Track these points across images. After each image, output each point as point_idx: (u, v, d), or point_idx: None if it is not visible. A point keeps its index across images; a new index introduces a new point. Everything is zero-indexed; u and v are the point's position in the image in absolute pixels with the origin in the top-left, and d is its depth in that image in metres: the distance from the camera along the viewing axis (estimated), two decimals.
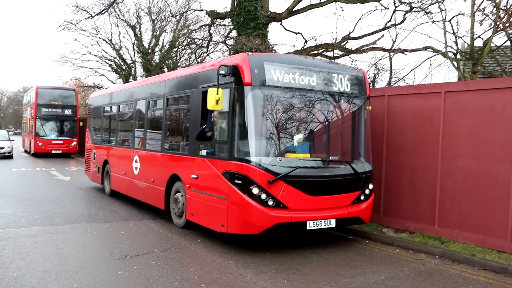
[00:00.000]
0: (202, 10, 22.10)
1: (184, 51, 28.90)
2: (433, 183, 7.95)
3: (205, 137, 7.65)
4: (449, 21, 13.66)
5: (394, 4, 15.99)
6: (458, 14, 13.46)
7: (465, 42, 14.42)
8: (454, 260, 6.92)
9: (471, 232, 7.40)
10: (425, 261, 6.96)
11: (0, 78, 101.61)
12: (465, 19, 17.80)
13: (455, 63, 13.87)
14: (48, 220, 9.16)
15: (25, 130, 32.95)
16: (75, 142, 28.51)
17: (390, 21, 16.40)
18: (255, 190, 6.64)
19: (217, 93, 6.82)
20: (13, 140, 32.75)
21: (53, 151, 27.82)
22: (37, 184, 15.21)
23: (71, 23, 28.47)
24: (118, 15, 30.19)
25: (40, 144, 27.72)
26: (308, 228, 7.01)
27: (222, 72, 6.96)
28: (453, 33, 13.47)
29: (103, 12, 25.97)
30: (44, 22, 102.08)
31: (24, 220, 9.08)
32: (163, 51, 30.09)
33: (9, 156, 26.76)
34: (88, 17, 26.66)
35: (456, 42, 13.91)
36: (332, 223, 7.24)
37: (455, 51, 13.97)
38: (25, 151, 32.37)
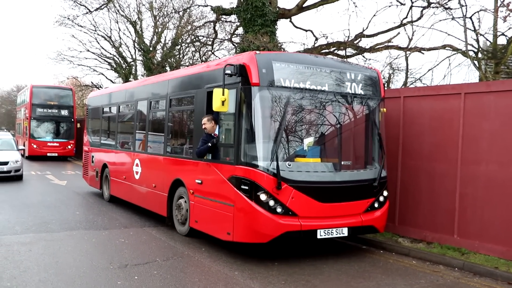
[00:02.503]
0: (206, 5, 22.23)
1: (188, 49, 29.10)
2: (453, 190, 7.94)
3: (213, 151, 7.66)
4: (470, 17, 13.61)
5: None
6: (479, 10, 13.42)
7: (487, 40, 14.41)
8: (476, 273, 6.90)
9: (494, 243, 7.38)
10: (444, 273, 6.95)
11: None
12: (488, 16, 17.76)
13: (476, 62, 13.85)
14: (44, 227, 9.25)
15: (19, 131, 33.25)
16: (71, 145, 28.73)
17: (406, 17, 16.42)
18: (263, 197, 6.68)
19: (223, 94, 6.87)
20: (23, 148, 24.71)
21: (48, 154, 28.02)
22: (31, 189, 15.35)
23: (68, 18, 28.76)
24: (118, 11, 30.42)
25: (35, 146, 27.95)
26: (318, 237, 7.03)
27: (228, 71, 7.01)
28: (474, 30, 13.46)
29: (102, 7, 26.23)
30: (39, 17, 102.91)
31: (18, 227, 9.17)
32: (165, 49, 30.27)
33: (17, 177, 17.23)
34: (87, 13, 26.93)
35: (477, 40, 13.90)
36: (344, 231, 7.26)
37: (476, 50, 13.95)
38: None
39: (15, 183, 16.51)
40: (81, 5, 27.28)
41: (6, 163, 16.75)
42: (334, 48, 17.90)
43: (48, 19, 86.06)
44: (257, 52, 7.18)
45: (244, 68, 6.97)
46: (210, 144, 7.56)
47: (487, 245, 7.45)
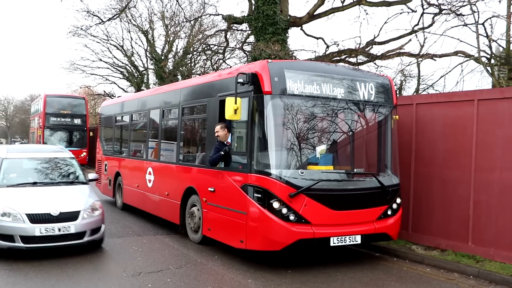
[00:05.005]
0: (218, 14, 22.41)
1: (199, 57, 29.30)
2: (466, 197, 7.90)
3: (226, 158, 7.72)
4: (483, 24, 13.56)
5: (422, 6, 15.98)
6: (492, 16, 13.35)
7: (500, 45, 14.31)
8: (491, 281, 6.85)
9: (510, 251, 7.32)
10: (459, 281, 6.91)
11: (6, 86, 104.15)
12: (500, 22, 17.67)
13: (489, 68, 13.76)
14: None
15: (33, 140, 33.66)
16: (84, 153, 28.99)
17: (417, 24, 16.35)
18: (276, 204, 6.71)
19: (235, 102, 6.94)
20: (96, 178, 10.22)
21: None
22: None
23: (82, 28, 29.13)
24: (130, 20, 30.83)
25: None
26: (332, 244, 7.04)
27: (240, 80, 7.09)
28: (487, 36, 13.38)
29: (115, 17, 26.55)
30: (52, 28, 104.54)
31: None
32: (176, 57, 30.54)
33: (95, 242, 8.18)
34: (99, 23, 27.27)
35: (490, 46, 13.80)
36: (358, 239, 7.25)
37: (489, 56, 13.86)
38: None
39: None
40: (94, 15, 27.66)
41: (71, 217, 7.66)
42: (346, 55, 17.91)
43: (62, 29, 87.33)
44: (269, 60, 7.26)
45: (257, 76, 7.05)
46: (222, 153, 7.62)
47: (503, 252, 7.39)
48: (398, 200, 7.80)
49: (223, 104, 7.20)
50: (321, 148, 7.37)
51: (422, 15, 16.13)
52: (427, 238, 8.56)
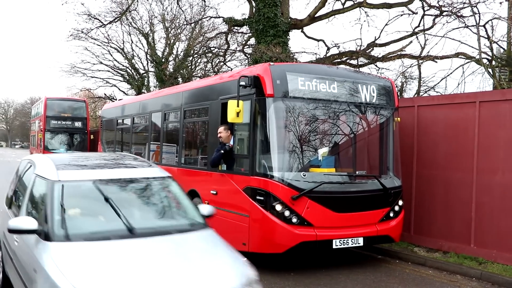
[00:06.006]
0: (218, 17, 22.48)
1: (200, 60, 29.37)
2: (469, 199, 7.93)
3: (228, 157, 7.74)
4: (484, 25, 13.62)
5: (423, 8, 16.02)
6: (493, 18, 13.40)
7: (501, 47, 14.37)
8: (494, 283, 6.88)
9: None
10: (461, 283, 6.93)
11: (6, 89, 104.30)
12: (501, 23, 17.72)
13: (490, 70, 13.81)
14: None
15: (33, 143, 33.71)
16: None
17: (418, 26, 16.41)
18: (278, 207, 6.74)
19: (238, 105, 6.97)
20: (209, 215, 5.36)
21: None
22: None
23: (82, 32, 29.20)
24: (131, 23, 30.89)
25: None
26: (334, 246, 7.07)
27: (242, 83, 7.13)
28: (488, 38, 13.44)
29: (115, 20, 26.60)
30: (53, 31, 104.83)
31: None
32: (177, 60, 30.61)
33: None
34: (100, 26, 27.33)
35: (491, 48, 13.86)
36: (360, 241, 7.28)
37: (490, 58, 13.91)
38: None
39: None
40: (95, 18, 27.75)
41: None
42: (346, 57, 17.93)
43: (62, 32, 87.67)
44: (271, 63, 7.30)
45: (259, 79, 7.09)
46: (222, 151, 7.64)
47: (505, 254, 7.41)
48: (400, 202, 7.83)
49: (225, 107, 7.24)
50: (323, 151, 7.40)
51: (423, 17, 16.17)
52: (429, 240, 8.58)
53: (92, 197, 4.84)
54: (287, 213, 6.76)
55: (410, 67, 16.74)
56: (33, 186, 5.22)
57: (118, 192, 5.07)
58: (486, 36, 13.50)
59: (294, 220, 6.80)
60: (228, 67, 24.88)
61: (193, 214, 5.16)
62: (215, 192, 8.01)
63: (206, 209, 5.33)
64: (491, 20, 13.52)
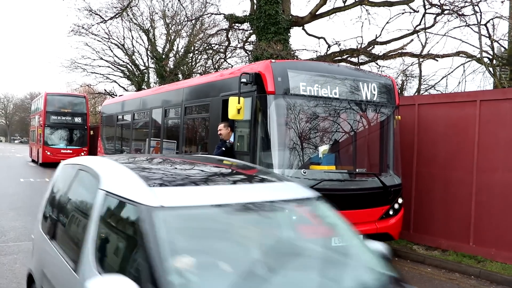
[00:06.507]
0: (219, 13, 22.45)
1: (200, 56, 29.36)
2: (468, 197, 7.96)
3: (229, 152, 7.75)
4: (485, 24, 13.62)
5: (424, 6, 16.02)
6: (494, 17, 13.41)
7: (502, 46, 14.36)
8: (492, 281, 6.91)
9: (511, 251, 7.37)
10: (460, 281, 6.96)
11: (6, 84, 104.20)
12: (503, 22, 17.74)
13: (491, 69, 13.82)
14: None
15: (33, 138, 33.72)
16: (85, 152, 29.03)
17: (419, 24, 16.42)
18: None
19: (239, 102, 6.98)
20: None
21: (62, 161, 28.26)
22: None
23: (83, 27, 29.23)
24: (131, 19, 30.92)
25: (48, 153, 28.28)
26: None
27: (244, 80, 7.14)
28: (489, 36, 13.44)
29: (116, 16, 26.60)
30: (53, 26, 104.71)
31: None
32: (177, 56, 30.60)
33: None
34: (101, 22, 27.34)
35: (492, 47, 13.86)
36: None
37: (491, 56, 13.92)
38: (33, 160, 33.06)
39: (30, 191, 16.74)
40: (96, 14, 27.74)
41: None
42: (347, 55, 17.94)
43: (62, 28, 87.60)
44: (273, 60, 7.31)
45: (260, 76, 7.10)
46: (223, 148, 7.66)
47: (504, 253, 7.45)
48: (400, 200, 7.85)
49: (226, 104, 7.25)
50: (323, 148, 7.41)
51: (424, 15, 16.17)
52: (428, 238, 8.62)
53: (219, 237, 2.90)
54: None
55: (411, 65, 16.79)
56: (104, 212, 3.06)
57: (259, 227, 3.09)
58: (487, 35, 13.50)
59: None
60: (229, 64, 24.89)
61: (371, 259, 3.06)
62: None
63: (384, 247, 3.22)
64: (492, 19, 13.54)
